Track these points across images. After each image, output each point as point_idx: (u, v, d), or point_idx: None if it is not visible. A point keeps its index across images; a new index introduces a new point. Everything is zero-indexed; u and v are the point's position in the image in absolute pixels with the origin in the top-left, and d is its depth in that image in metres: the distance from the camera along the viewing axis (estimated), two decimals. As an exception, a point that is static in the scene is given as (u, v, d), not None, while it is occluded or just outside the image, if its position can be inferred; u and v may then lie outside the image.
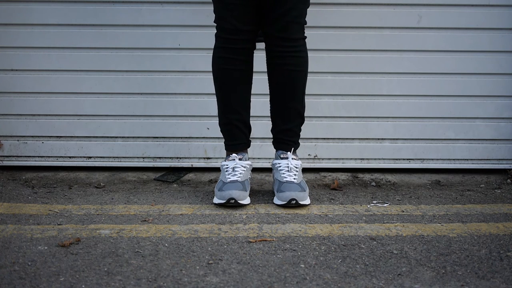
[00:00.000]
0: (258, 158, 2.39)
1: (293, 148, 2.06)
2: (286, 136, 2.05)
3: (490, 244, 1.66)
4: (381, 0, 2.31)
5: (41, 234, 1.68)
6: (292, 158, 2.03)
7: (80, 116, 2.38)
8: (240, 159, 2.03)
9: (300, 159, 2.21)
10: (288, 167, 2.01)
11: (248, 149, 2.11)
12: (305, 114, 2.08)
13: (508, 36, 2.35)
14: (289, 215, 1.88)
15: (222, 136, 2.08)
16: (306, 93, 2.05)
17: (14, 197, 2.08)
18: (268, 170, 2.35)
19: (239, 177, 1.98)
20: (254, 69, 2.04)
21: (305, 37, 1.98)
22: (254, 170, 2.32)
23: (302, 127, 2.08)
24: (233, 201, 1.93)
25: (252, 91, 2.06)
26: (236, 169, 2.00)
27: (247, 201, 1.98)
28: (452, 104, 2.39)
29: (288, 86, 2.00)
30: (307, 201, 1.98)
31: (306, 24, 1.97)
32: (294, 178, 1.98)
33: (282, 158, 2.04)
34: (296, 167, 2.02)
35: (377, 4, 2.32)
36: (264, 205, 1.99)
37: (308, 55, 2.00)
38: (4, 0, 2.29)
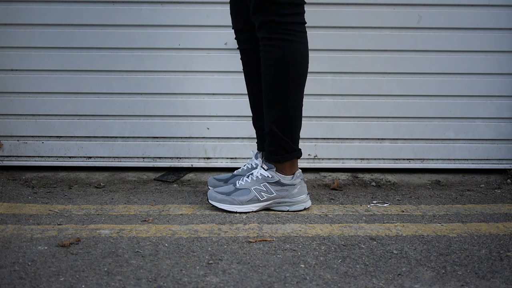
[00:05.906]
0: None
1: (269, 157, 1.87)
2: (264, 141, 1.91)
3: (490, 244, 1.66)
4: (381, 0, 2.31)
5: (41, 234, 1.68)
6: (261, 167, 1.88)
7: (80, 116, 2.38)
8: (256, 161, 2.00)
9: (300, 168, 1.95)
10: (252, 173, 1.89)
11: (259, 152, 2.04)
12: (306, 114, 2.05)
13: (508, 36, 2.35)
14: (289, 215, 1.88)
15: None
16: (306, 93, 1.91)
17: (14, 197, 2.08)
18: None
19: (241, 184, 1.89)
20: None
21: (272, 37, 1.74)
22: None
23: (303, 127, 1.92)
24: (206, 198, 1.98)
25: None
26: (248, 176, 1.90)
27: (219, 205, 1.87)
28: (452, 104, 2.39)
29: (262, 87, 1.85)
30: (222, 205, 1.86)
31: (274, 21, 1.71)
32: (241, 184, 1.87)
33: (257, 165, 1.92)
34: (258, 177, 1.86)
35: (377, 4, 2.32)
36: (264, 205, 1.99)
37: (309, 55, 1.83)
38: (4, 0, 2.30)
